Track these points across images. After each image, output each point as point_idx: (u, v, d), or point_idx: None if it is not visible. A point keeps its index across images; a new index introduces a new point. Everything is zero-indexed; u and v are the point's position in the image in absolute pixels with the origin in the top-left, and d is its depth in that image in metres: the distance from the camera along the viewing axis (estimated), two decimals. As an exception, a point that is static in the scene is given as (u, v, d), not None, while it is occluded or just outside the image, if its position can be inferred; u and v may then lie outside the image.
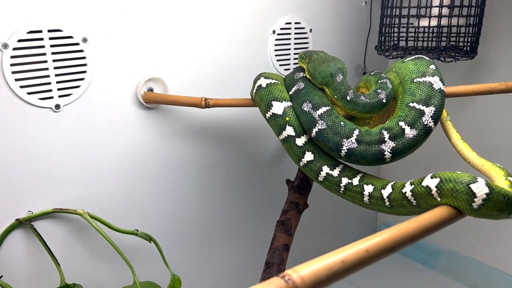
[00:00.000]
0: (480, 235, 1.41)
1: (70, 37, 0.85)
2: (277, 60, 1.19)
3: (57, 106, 0.86)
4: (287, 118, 0.81)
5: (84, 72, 0.88)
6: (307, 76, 0.84)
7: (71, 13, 0.84)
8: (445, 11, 1.07)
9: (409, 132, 0.74)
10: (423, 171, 1.48)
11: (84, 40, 0.86)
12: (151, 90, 0.97)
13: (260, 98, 0.85)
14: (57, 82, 0.85)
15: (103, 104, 0.92)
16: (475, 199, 0.60)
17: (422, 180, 0.66)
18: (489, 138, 1.33)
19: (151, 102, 0.97)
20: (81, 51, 0.87)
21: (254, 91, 0.87)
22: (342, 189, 0.80)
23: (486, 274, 1.40)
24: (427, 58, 0.82)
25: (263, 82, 0.85)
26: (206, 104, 0.92)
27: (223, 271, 1.24)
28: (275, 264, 0.86)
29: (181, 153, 1.07)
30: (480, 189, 0.60)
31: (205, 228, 1.17)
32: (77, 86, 0.87)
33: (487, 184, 0.60)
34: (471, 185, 0.60)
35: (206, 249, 1.19)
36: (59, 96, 0.86)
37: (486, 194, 0.59)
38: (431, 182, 0.64)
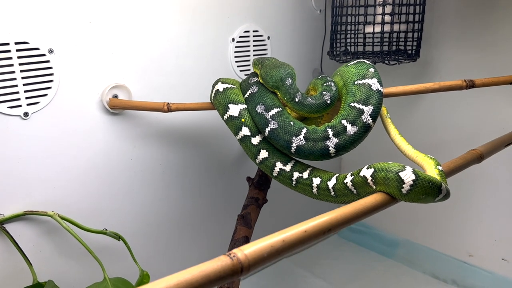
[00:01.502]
0: (433, 225, 1.52)
1: (37, 48, 0.90)
2: (237, 66, 1.26)
3: (26, 114, 0.91)
4: (243, 120, 0.89)
5: (51, 81, 0.93)
6: (260, 80, 0.91)
7: (37, 26, 0.90)
8: (387, 18, 1.17)
9: (350, 129, 0.82)
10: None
11: (50, 51, 0.92)
12: (116, 96, 1.03)
13: (218, 102, 0.92)
14: (25, 91, 0.90)
15: (70, 111, 0.97)
16: (404, 185, 0.68)
17: (360, 171, 0.75)
18: (435, 134, 1.44)
19: (116, 108, 1.02)
20: (48, 61, 0.92)
21: (213, 95, 0.94)
22: (294, 182, 0.87)
23: (440, 261, 1.50)
24: (368, 62, 0.91)
25: (220, 86, 0.93)
26: (169, 108, 0.98)
27: (191, 263, 1.28)
28: (236, 255, 0.93)
29: (147, 156, 1.13)
30: (407, 176, 0.68)
31: (172, 225, 1.23)
32: (44, 94, 0.93)
33: (414, 172, 0.68)
34: (400, 173, 0.69)
35: (174, 244, 1.25)
36: (27, 104, 0.91)
37: (413, 180, 0.68)
38: (366, 172, 0.73)
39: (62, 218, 0.94)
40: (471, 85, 0.93)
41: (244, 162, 1.36)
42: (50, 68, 0.93)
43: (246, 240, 0.94)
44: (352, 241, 1.74)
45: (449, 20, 1.32)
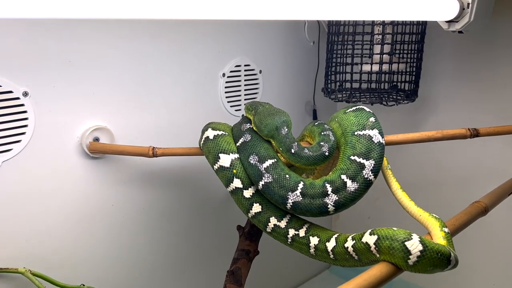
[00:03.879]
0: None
1: (10, 92, 0.82)
2: (228, 102, 1.20)
3: (-4, 162, 0.83)
4: (235, 171, 0.82)
5: (25, 126, 0.85)
6: (254, 128, 0.85)
7: (10, 68, 0.82)
8: (386, 58, 1.13)
9: (351, 186, 0.77)
10: (373, 204, 1.53)
11: (25, 94, 0.84)
12: (97, 140, 0.96)
13: (208, 150, 0.85)
14: (-4, 138, 0.82)
15: (46, 156, 0.90)
16: (410, 256, 0.63)
17: (362, 236, 0.69)
18: (432, 178, 1.39)
19: (97, 152, 0.95)
20: (22, 105, 0.84)
21: (202, 142, 0.87)
22: (289, 240, 0.81)
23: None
24: (368, 110, 0.85)
25: (210, 133, 0.86)
26: (154, 153, 0.92)
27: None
28: (226, 317, 0.86)
29: (130, 202, 1.05)
30: (414, 246, 0.63)
31: (155, 277, 1.15)
32: (18, 140, 0.85)
33: (421, 241, 0.63)
34: (406, 243, 0.63)
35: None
36: (-1, 152, 0.83)
37: (420, 251, 0.62)
38: (370, 239, 0.67)
39: (35, 275, 0.87)
40: (475, 134, 0.89)
41: (234, 209, 1.28)
42: (25, 112, 0.85)
43: (237, 300, 0.87)
44: (343, 278, 1.68)
45: (447, 59, 1.28)
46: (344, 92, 1.21)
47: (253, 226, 0.99)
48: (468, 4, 0.81)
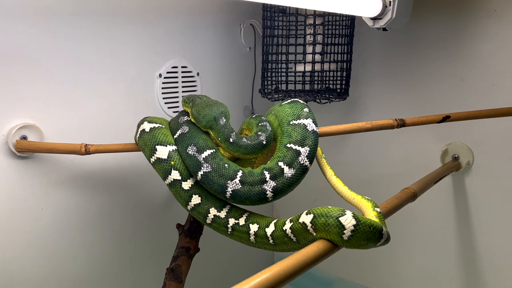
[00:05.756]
0: (366, 263, 1.52)
1: None
2: (165, 103, 1.19)
3: None
4: (172, 162, 0.81)
5: None
6: (192, 119, 0.85)
7: None
8: (318, 57, 1.18)
9: (288, 172, 0.79)
10: (312, 204, 1.57)
11: None
12: (24, 138, 0.90)
13: (144, 143, 0.84)
14: None
15: (-35, 155, 0.83)
16: (345, 231, 0.65)
17: (299, 217, 0.70)
18: (364, 171, 1.47)
19: (25, 151, 0.90)
20: None
21: (138, 135, 0.86)
22: (229, 229, 0.81)
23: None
24: (302, 102, 0.89)
25: (146, 126, 0.85)
26: (87, 150, 0.88)
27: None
28: (166, 314, 0.83)
29: (62, 204, 1.00)
30: (348, 221, 0.65)
31: (92, 282, 1.09)
32: None
33: (354, 216, 0.66)
34: (340, 218, 0.65)
35: (94, 305, 1.11)
36: None
37: (354, 225, 0.65)
38: (306, 218, 0.68)
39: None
40: (402, 124, 0.95)
41: (174, 207, 1.26)
42: None
43: (177, 296, 0.84)
44: (286, 282, 1.69)
45: (375, 59, 1.37)
46: (280, 93, 1.24)
47: (193, 223, 0.97)
48: (390, 2, 0.89)
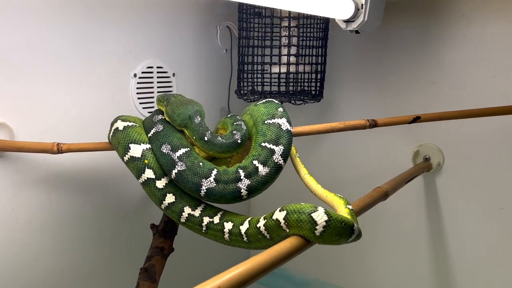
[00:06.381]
0: (341, 263, 1.54)
1: None
2: (140, 103, 1.18)
3: None
4: (146, 161, 0.81)
5: None
6: (166, 118, 0.85)
7: None
8: (293, 59, 1.20)
9: (262, 170, 0.79)
10: (288, 203, 1.58)
11: None
12: (-7, 136, 0.88)
13: (117, 141, 0.83)
14: None
15: None
16: (317, 227, 0.66)
17: (272, 214, 0.71)
18: (338, 171, 1.49)
19: (-6, 149, 0.87)
20: None
21: (111, 134, 0.85)
22: (204, 228, 0.81)
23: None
24: (276, 102, 0.90)
25: (120, 125, 0.84)
26: (59, 149, 0.87)
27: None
28: (139, 315, 0.82)
29: (33, 204, 0.97)
30: (320, 217, 0.66)
31: (65, 283, 1.07)
32: None
33: (326, 212, 0.67)
34: (312, 214, 0.66)
35: (66, 307, 1.08)
36: None
37: (326, 221, 0.66)
38: (279, 215, 0.69)
39: None
40: (373, 124, 0.97)
41: (147, 207, 1.25)
42: None
43: (151, 296, 0.84)
44: (261, 283, 1.68)
45: (349, 62, 1.40)
46: (256, 94, 1.25)
47: (167, 223, 0.97)
48: (362, 5, 0.91)
